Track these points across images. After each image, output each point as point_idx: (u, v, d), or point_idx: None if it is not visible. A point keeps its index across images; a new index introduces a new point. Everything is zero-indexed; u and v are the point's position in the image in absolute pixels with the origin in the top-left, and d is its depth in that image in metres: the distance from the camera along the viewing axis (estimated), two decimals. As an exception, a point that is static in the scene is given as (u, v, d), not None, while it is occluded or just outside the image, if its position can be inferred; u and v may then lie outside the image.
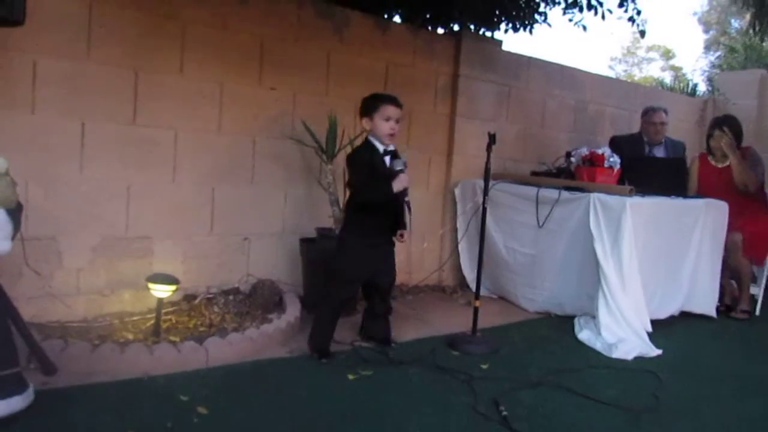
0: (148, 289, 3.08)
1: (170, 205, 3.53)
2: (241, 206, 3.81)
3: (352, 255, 3.14)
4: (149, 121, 3.40)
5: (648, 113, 5.20)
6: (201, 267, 3.66)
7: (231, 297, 3.60)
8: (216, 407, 2.43)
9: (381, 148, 3.13)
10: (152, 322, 3.12)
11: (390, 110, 3.11)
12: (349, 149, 3.56)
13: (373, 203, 3.11)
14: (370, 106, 3.14)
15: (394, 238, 3.26)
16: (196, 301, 3.52)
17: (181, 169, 3.55)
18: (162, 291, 3.06)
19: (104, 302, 3.33)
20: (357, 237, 3.15)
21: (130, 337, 3.02)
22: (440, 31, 5.07)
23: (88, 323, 3.16)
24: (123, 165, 3.34)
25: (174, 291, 3.14)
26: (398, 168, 3.07)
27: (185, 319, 3.32)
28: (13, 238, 2.24)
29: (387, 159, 3.13)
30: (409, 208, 3.14)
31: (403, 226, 3.24)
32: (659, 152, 5.15)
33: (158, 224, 3.49)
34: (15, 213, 2.25)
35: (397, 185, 3.02)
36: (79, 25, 3.15)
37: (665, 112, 5.17)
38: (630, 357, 3.38)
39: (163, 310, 3.16)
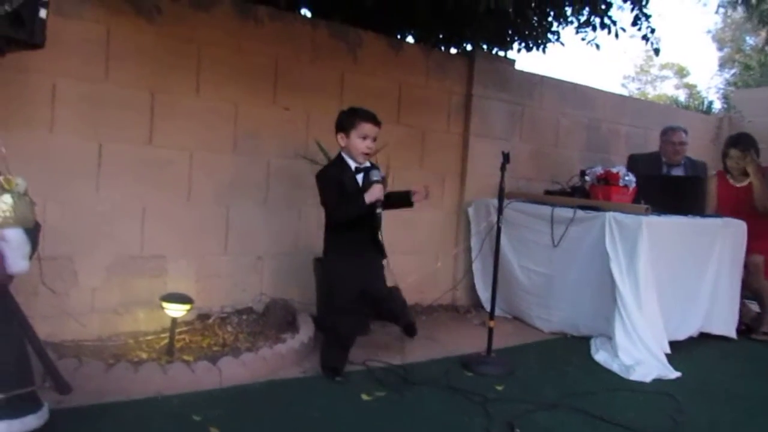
0: (162, 308, 3.08)
1: (184, 225, 3.55)
2: (255, 225, 3.82)
3: (341, 277, 3.09)
4: (165, 142, 3.44)
5: (667, 133, 5.13)
6: (214, 286, 3.67)
7: (244, 316, 3.60)
8: (228, 428, 2.42)
9: (353, 165, 3.07)
10: (166, 341, 3.13)
11: (367, 128, 3.03)
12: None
13: (349, 219, 3.03)
14: (346, 121, 3.06)
15: (413, 199, 3.19)
16: (210, 321, 3.52)
17: (196, 189, 3.58)
18: (176, 310, 3.07)
19: (118, 321, 3.35)
20: (340, 256, 3.11)
21: (144, 356, 3.03)
22: (453, 51, 5.10)
23: (102, 342, 3.18)
24: (139, 185, 3.37)
25: (188, 310, 3.14)
26: (374, 179, 3.00)
27: (199, 338, 3.32)
28: (30, 257, 2.26)
29: (359, 177, 3.06)
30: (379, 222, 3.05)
31: (381, 246, 3.14)
32: (677, 173, 5.07)
33: (172, 244, 3.51)
34: (33, 232, 2.27)
35: (369, 196, 2.95)
36: (98, 47, 3.20)
37: (685, 132, 5.09)
38: (648, 379, 3.33)
39: (177, 330, 3.16)
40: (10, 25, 2.27)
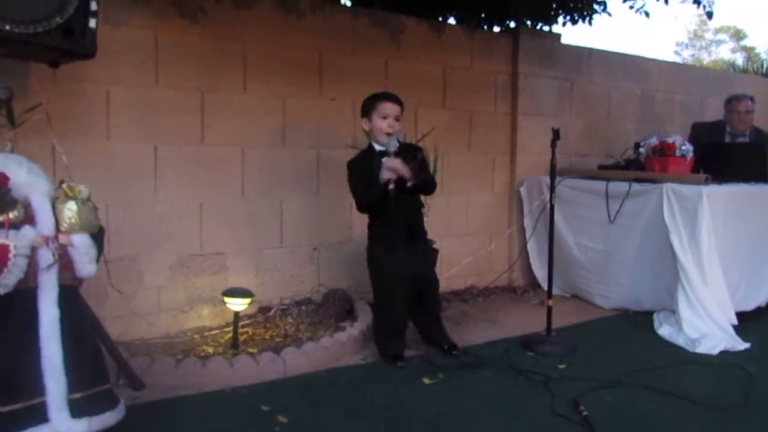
0: (225, 303, 3.16)
1: (241, 221, 3.62)
2: (309, 217, 3.87)
3: (384, 266, 3.09)
4: (217, 140, 3.51)
5: (731, 101, 4.83)
6: (273, 279, 3.74)
7: (304, 307, 3.67)
8: (296, 416, 2.47)
9: (377, 149, 3.08)
10: (230, 335, 3.21)
11: (387, 107, 3.04)
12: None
13: (369, 204, 3.05)
14: (367, 105, 3.11)
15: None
16: (271, 313, 3.60)
17: (249, 184, 3.64)
18: (238, 304, 3.14)
19: (184, 318, 3.45)
20: (382, 247, 3.10)
21: (211, 350, 3.11)
22: (496, 29, 5.02)
23: (170, 339, 3.28)
24: (194, 184, 3.46)
25: (249, 304, 3.22)
26: (391, 149, 2.96)
27: (261, 330, 3.40)
28: (97, 260, 2.35)
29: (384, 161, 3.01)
30: (408, 187, 2.96)
31: (416, 235, 3.15)
32: None
33: (230, 240, 3.59)
34: (98, 237, 2.36)
35: (383, 174, 2.90)
36: (146, 53, 3.28)
37: (751, 99, 4.78)
38: (715, 352, 3.25)
39: (240, 323, 3.24)
40: (62, 36, 2.35)
